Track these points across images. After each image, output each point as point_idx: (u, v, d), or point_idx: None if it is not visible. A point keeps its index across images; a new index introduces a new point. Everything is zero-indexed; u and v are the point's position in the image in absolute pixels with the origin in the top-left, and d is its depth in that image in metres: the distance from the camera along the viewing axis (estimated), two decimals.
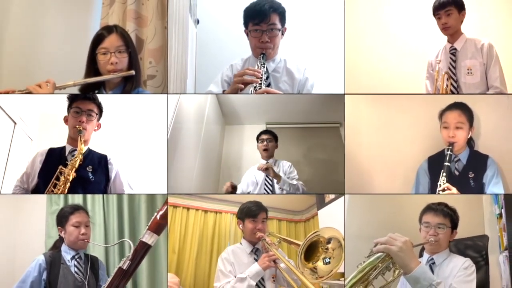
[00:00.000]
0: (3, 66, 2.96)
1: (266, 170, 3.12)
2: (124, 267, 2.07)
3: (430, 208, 2.40)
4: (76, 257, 2.47)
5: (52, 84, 2.47)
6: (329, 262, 2.27)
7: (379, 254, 1.98)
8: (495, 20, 2.92)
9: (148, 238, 2.09)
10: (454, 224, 2.38)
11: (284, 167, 3.32)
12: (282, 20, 2.69)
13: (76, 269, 2.44)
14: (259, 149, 3.39)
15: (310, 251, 2.31)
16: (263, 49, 2.68)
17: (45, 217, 2.87)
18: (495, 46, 2.71)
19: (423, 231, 2.38)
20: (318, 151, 4.16)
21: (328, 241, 2.29)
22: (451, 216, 2.36)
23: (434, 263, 2.36)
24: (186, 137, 3.04)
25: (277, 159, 3.39)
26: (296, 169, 3.38)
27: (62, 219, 2.49)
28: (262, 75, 2.56)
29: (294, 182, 3.19)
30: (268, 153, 3.35)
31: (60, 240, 2.50)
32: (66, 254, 2.46)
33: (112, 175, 2.57)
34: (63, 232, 2.48)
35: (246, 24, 2.71)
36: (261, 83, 2.53)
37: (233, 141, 4.29)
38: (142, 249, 2.09)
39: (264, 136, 3.38)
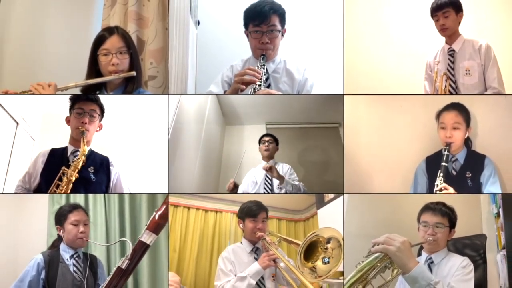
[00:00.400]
0: (6, 67, 2.98)
1: (270, 170, 3.15)
2: (123, 267, 2.08)
3: (428, 208, 2.42)
4: (74, 256, 2.47)
5: (53, 86, 2.50)
6: (328, 262, 2.28)
7: (377, 254, 2.00)
8: (492, 21, 2.94)
9: (146, 237, 2.10)
10: (452, 223, 2.40)
11: (284, 169, 3.35)
12: (282, 21, 2.71)
13: (75, 268, 2.45)
14: (261, 150, 3.43)
15: (310, 251, 2.33)
16: (263, 50, 2.70)
17: (47, 217, 2.88)
18: (492, 47, 2.73)
19: (422, 230, 2.40)
20: (318, 151, 4.18)
21: (328, 241, 2.31)
22: (449, 215, 2.38)
23: (432, 262, 2.38)
24: (186, 137, 3.07)
25: (277, 161, 3.42)
26: (295, 169, 3.42)
27: (60, 217, 2.49)
28: (262, 76, 2.59)
29: (296, 182, 3.22)
30: (269, 153, 3.39)
31: (59, 239, 2.51)
32: (65, 253, 2.46)
33: (113, 178, 2.59)
34: (61, 231, 2.49)
35: (246, 25, 2.73)
36: (260, 84, 2.56)
37: (233, 141, 4.31)
38: (141, 249, 2.10)
39: (266, 138, 3.45)
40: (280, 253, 2.61)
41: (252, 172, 3.39)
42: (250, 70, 2.58)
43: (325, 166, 4.00)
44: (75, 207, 2.52)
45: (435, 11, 2.72)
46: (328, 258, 2.28)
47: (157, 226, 2.12)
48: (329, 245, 2.29)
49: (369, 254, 2.02)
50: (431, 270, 2.35)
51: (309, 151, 4.19)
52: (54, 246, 2.52)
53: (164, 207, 2.15)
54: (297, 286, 2.41)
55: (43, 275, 2.39)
